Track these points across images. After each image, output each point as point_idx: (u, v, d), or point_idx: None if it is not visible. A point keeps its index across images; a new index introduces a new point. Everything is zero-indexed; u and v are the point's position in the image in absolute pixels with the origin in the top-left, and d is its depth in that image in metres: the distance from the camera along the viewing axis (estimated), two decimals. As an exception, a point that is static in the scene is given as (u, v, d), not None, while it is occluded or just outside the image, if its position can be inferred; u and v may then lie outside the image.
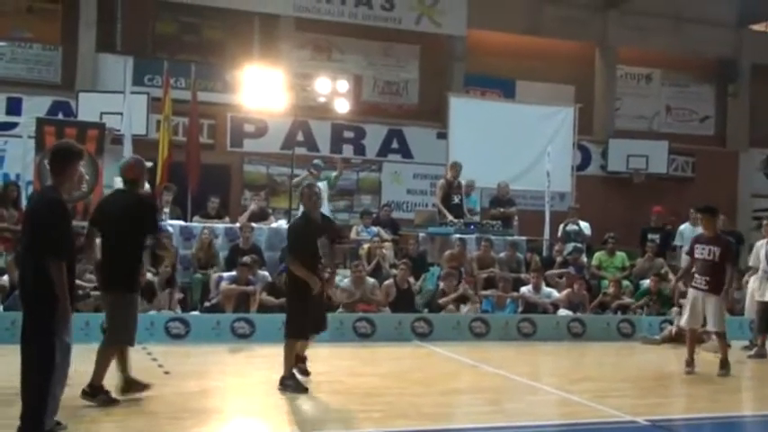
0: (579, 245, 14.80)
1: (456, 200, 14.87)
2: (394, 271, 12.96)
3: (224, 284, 11.77)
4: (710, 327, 9.86)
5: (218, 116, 18.03)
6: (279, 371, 7.83)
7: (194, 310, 11.93)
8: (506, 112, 18.47)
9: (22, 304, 5.70)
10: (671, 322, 12.72)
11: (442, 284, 12.87)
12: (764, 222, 12.07)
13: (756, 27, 22.60)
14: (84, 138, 12.73)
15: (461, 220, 14.54)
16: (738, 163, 22.64)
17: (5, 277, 10.97)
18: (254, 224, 13.33)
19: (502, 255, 14.17)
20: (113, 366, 7.03)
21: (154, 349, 9.88)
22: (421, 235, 14.51)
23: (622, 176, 20.67)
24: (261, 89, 16.21)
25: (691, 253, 10.06)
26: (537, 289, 13.19)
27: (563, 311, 13.02)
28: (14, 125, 15.56)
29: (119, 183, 13.42)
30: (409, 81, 20.50)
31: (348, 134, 19.14)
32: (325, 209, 11.73)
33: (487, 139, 17.17)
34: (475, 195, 16.10)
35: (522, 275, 13.82)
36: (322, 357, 8.39)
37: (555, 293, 13.32)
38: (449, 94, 18.54)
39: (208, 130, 17.84)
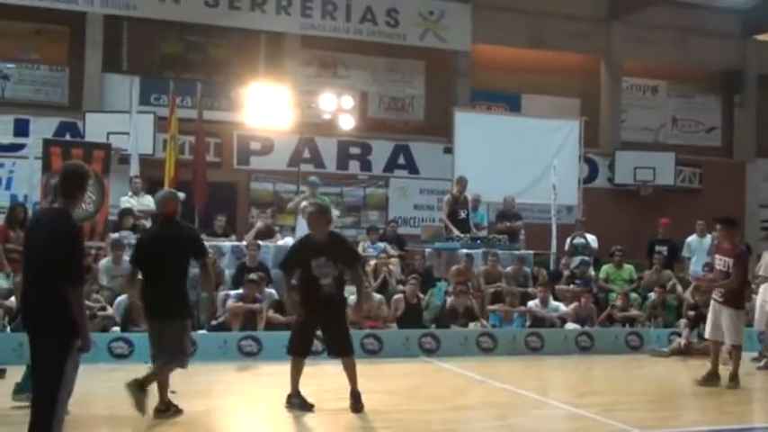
0: (586, 258, 14.71)
1: (462, 215, 14.83)
2: (401, 287, 12.94)
3: (230, 302, 11.75)
4: (726, 339, 9.71)
5: (225, 134, 18.06)
6: (286, 388, 7.80)
7: (201, 328, 11.91)
8: (512, 125, 18.45)
9: (32, 327, 5.55)
10: (679, 334, 12.67)
11: (449, 300, 12.79)
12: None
13: (761, 37, 22.50)
14: (90, 158, 12.83)
15: (468, 235, 14.51)
16: (746, 173, 22.53)
17: (12, 298, 10.97)
18: (260, 242, 13.32)
19: (509, 269, 14.11)
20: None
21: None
22: (427, 250, 14.45)
23: (630, 189, 20.58)
24: (267, 107, 16.34)
25: (711, 264, 9.97)
26: (544, 303, 13.14)
27: (571, 325, 12.96)
28: (22, 146, 15.65)
29: (125, 202, 13.70)
30: (415, 96, 20.52)
31: (354, 150, 19.15)
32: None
33: (494, 154, 17.17)
34: (482, 210, 16.03)
35: (530, 290, 13.77)
36: (329, 374, 8.36)
37: (562, 307, 13.25)
38: (454, 108, 18.52)
39: (214, 148, 17.85)
